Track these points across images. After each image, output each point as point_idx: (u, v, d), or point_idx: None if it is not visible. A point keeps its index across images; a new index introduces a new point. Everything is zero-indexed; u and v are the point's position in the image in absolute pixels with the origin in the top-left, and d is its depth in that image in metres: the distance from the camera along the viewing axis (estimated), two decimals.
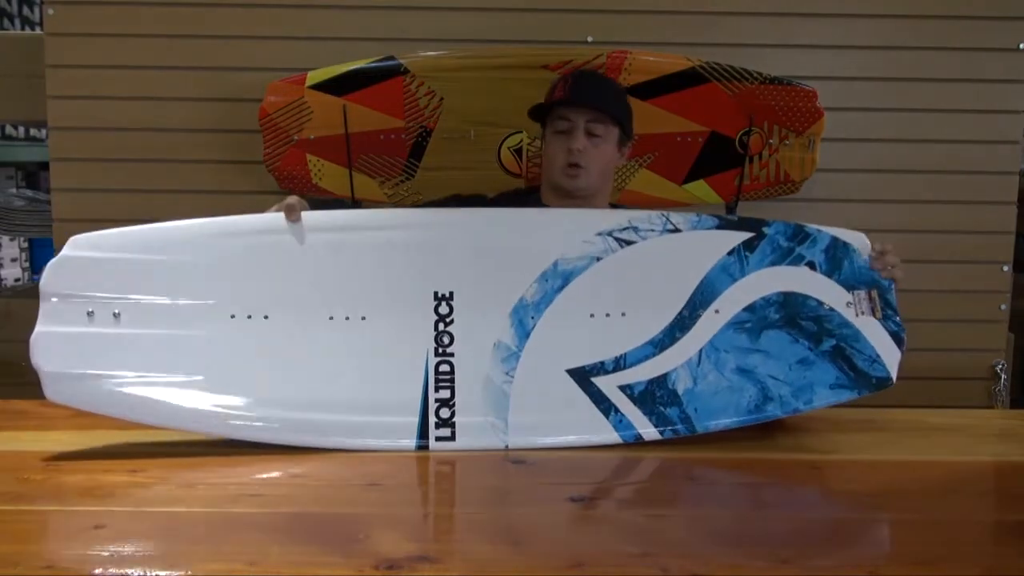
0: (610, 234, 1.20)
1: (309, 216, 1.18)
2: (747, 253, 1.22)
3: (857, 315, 1.22)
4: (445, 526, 0.92)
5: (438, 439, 1.13)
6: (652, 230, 1.22)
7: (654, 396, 1.18)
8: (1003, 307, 2.06)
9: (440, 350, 1.16)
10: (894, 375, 1.21)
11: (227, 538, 0.85)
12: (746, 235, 1.23)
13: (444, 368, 1.15)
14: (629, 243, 1.21)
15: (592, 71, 1.63)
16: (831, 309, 1.22)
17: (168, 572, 0.77)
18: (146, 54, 1.97)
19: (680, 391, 1.18)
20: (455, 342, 1.16)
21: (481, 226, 1.24)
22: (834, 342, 1.21)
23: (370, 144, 1.93)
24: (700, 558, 0.82)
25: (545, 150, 1.52)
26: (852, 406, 1.33)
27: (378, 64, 1.90)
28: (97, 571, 0.76)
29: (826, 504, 0.98)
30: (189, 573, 0.77)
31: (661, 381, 1.18)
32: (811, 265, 1.23)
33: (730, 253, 1.22)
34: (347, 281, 1.17)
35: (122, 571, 0.77)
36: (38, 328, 1.11)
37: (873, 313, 1.22)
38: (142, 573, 0.77)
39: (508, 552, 0.83)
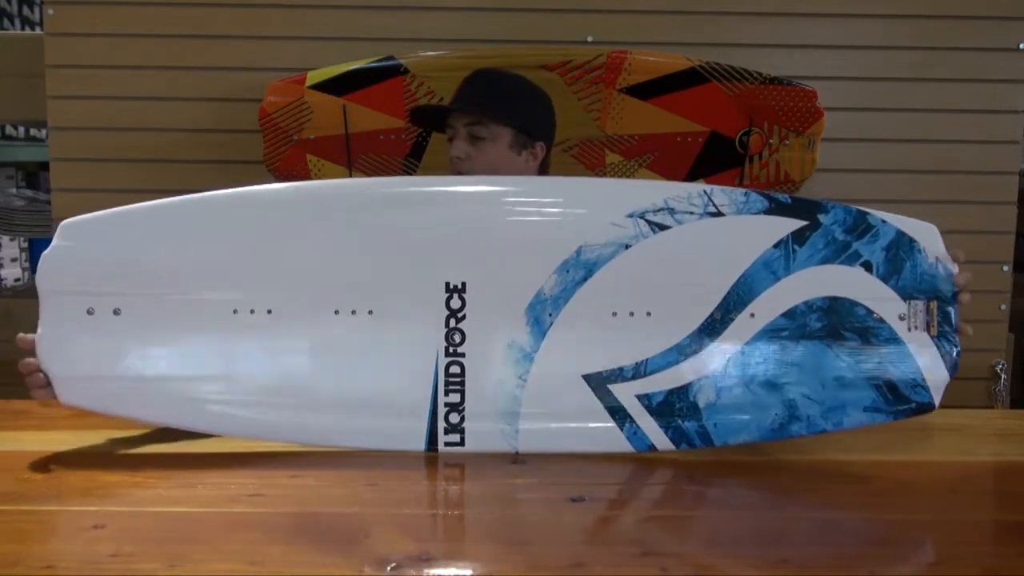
0: (643, 216, 1.08)
1: (311, 188, 1.13)
2: (796, 246, 1.09)
3: (909, 329, 1.10)
4: (446, 526, 0.92)
5: (447, 444, 1.10)
6: (691, 213, 1.09)
7: (673, 408, 1.10)
8: (1003, 307, 2.06)
9: (451, 350, 1.10)
10: (937, 401, 1.11)
11: (227, 538, 0.85)
12: (798, 224, 1.09)
13: (454, 370, 1.10)
14: (663, 227, 1.09)
15: (490, 70, 1.55)
16: (881, 321, 1.10)
17: (168, 572, 0.77)
18: (146, 54, 1.98)
19: (701, 404, 1.10)
20: (466, 341, 1.10)
21: (499, 201, 1.14)
22: (877, 360, 1.10)
23: (370, 144, 1.94)
24: (700, 558, 0.82)
25: None
26: None
27: (378, 64, 1.90)
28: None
29: (825, 504, 0.98)
30: (189, 573, 0.77)
31: (682, 392, 1.10)
32: (867, 266, 1.10)
33: (776, 245, 1.09)
34: (353, 269, 1.11)
35: (122, 571, 0.77)
36: (41, 330, 1.07)
37: (928, 328, 1.10)
38: (142, 573, 0.77)
39: (508, 552, 0.83)
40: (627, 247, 1.09)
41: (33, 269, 3.50)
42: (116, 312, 1.08)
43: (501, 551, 0.83)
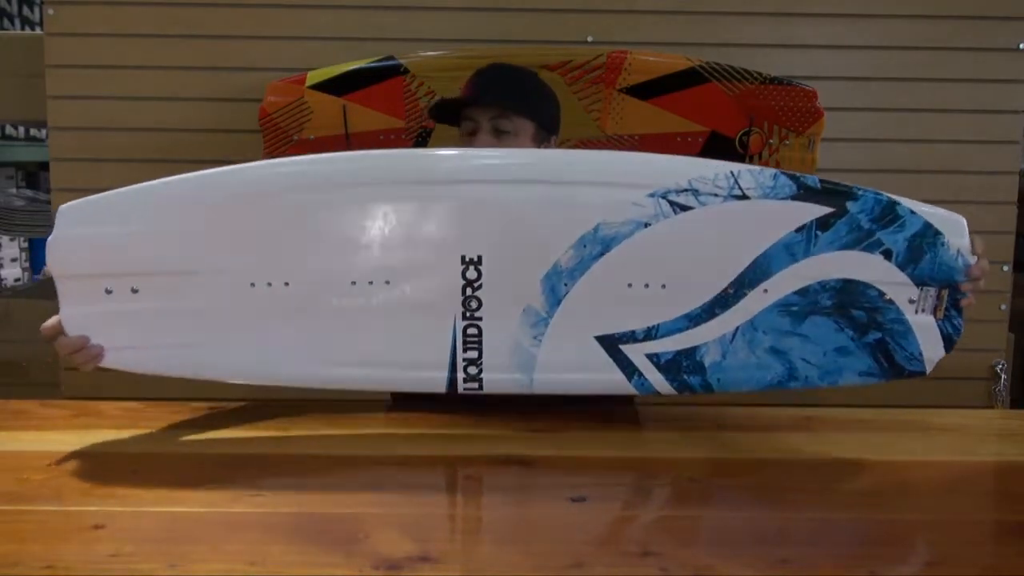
0: (664, 196, 1.07)
1: (322, 164, 1.11)
2: (819, 232, 1.08)
3: (917, 312, 1.13)
4: (445, 526, 0.92)
5: (466, 389, 1.15)
6: (715, 195, 1.07)
7: (680, 366, 1.14)
8: (1003, 307, 2.06)
9: (468, 314, 1.12)
10: (929, 371, 1.16)
11: (227, 538, 0.85)
12: (825, 211, 1.07)
13: (472, 331, 1.13)
14: (685, 208, 1.07)
15: (501, 63, 1.53)
16: (890, 302, 1.12)
17: (168, 572, 0.77)
18: (146, 54, 1.97)
19: (707, 363, 1.14)
20: (483, 307, 1.12)
21: (517, 176, 1.12)
22: (880, 335, 1.13)
23: (370, 144, 1.93)
24: (700, 558, 0.82)
25: None
26: (852, 405, 1.33)
27: (378, 64, 1.90)
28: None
29: (826, 504, 0.98)
30: (189, 573, 0.77)
31: (689, 353, 1.14)
32: (887, 254, 1.10)
33: (799, 230, 1.08)
34: (367, 245, 1.11)
35: (122, 571, 0.77)
36: (63, 309, 1.09)
37: (935, 312, 1.13)
38: (142, 573, 0.77)
39: (508, 552, 0.83)
40: (646, 225, 1.08)
41: (34, 269, 3.50)
42: (134, 291, 1.09)
43: (501, 551, 0.83)
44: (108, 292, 1.09)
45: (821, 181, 1.09)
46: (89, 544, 0.83)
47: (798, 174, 1.08)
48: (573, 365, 1.15)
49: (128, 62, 1.98)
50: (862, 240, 1.10)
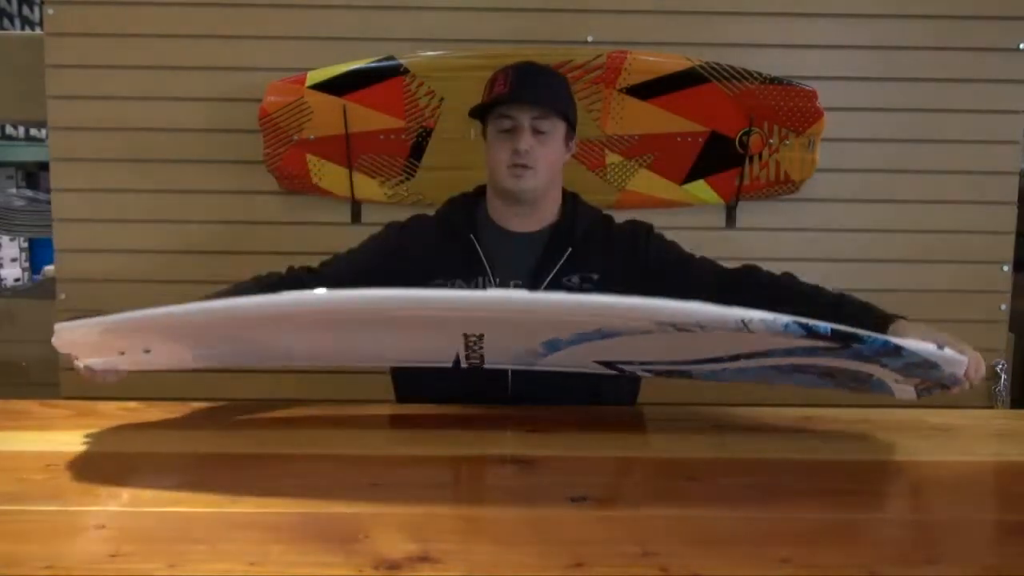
0: (671, 324, 1.04)
1: (327, 300, 1.06)
2: (821, 352, 1.08)
3: (898, 383, 1.16)
4: (445, 526, 0.92)
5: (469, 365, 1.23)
6: (722, 329, 1.03)
7: (671, 375, 1.24)
8: (1003, 307, 2.06)
9: (470, 348, 1.16)
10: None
11: (227, 538, 0.85)
12: (831, 346, 1.04)
13: (474, 359, 1.19)
14: (689, 331, 1.05)
15: (532, 63, 1.50)
16: (878, 380, 1.16)
17: (168, 572, 0.77)
18: (146, 54, 1.97)
19: (693, 374, 1.23)
20: (484, 349, 1.15)
21: (523, 313, 1.09)
22: (857, 385, 1.18)
23: (370, 144, 1.94)
24: (700, 558, 0.82)
25: (488, 151, 1.42)
26: (851, 406, 1.33)
27: (378, 64, 1.90)
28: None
29: (826, 504, 0.98)
30: (189, 573, 0.77)
31: (681, 371, 1.22)
32: (883, 365, 1.10)
33: (803, 347, 1.07)
34: (368, 342, 1.20)
35: (122, 571, 0.77)
36: (82, 362, 1.16)
37: (916, 387, 1.16)
38: (142, 573, 0.77)
39: (508, 552, 0.83)
40: (648, 333, 1.07)
41: (33, 269, 3.50)
42: (147, 351, 1.16)
43: (501, 551, 0.84)
44: (121, 354, 1.16)
45: (832, 329, 1.01)
46: (89, 544, 0.83)
47: (810, 323, 1.00)
48: (570, 367, 1.21)
49: (128, 62, 1.98)
50: (863, 359, 1.09)
